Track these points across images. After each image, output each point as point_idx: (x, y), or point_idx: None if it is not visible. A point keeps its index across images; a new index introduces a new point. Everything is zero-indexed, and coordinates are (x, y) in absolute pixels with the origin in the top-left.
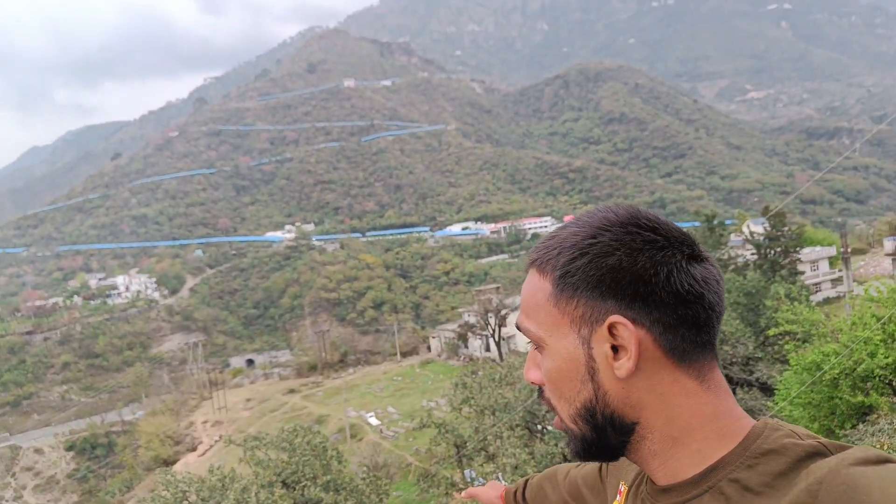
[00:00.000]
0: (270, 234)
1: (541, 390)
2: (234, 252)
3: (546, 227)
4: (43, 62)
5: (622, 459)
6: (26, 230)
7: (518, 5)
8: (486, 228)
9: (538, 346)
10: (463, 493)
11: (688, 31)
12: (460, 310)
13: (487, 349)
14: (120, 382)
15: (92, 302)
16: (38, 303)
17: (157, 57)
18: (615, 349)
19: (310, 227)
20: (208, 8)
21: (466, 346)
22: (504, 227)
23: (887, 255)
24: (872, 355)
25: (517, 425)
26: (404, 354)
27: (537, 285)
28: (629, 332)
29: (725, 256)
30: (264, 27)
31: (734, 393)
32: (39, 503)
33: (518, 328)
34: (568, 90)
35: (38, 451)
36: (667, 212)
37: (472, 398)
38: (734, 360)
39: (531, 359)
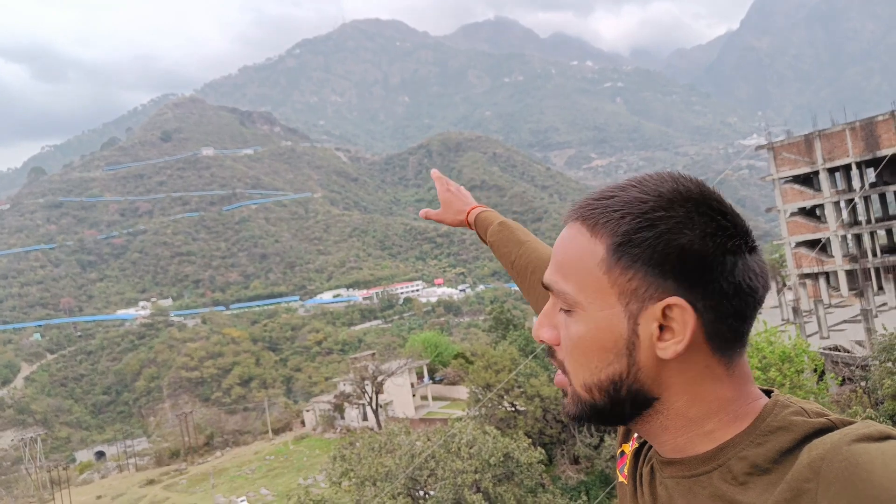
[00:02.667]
0: (122, 312)
1: (551, 350)
2: (79, 333)
3: (418, 290)
4: None
5: None
6: None
7: (380, 79)
8: (358, 295)
9: (569, 307)
10: (421, 213)
11: (537, 105)
12: (335, 380)
13: (365, 418)
14: None
15: None
16: None
17: None
18: (660, 328)
19: (167, 303)
20: (43, 75)
21: (343, 417)
22: (377, 293)
23: None
24: None
25: (399, 493)
26: (276, 431)
27: (585, 245)
28: (687, 316)
29: None
30: (111, 94)
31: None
32: None
33: (546, 285)
34: (431, 159)
35: None
36: None
37: (352, 470)
38: None
39: (546, 316)
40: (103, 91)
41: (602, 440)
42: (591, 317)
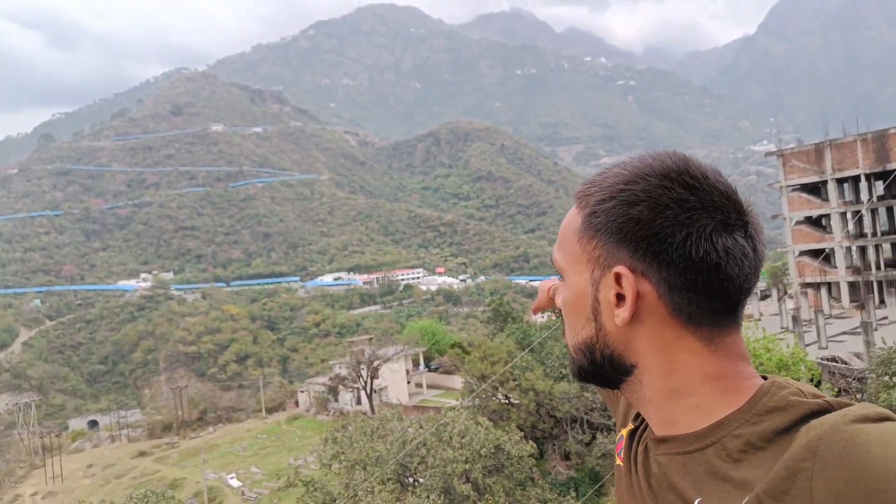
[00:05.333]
0: (123, 283)
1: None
2: (79, 302)
3: (419, 278)
4: None
5: None
6: None
7: (392, 64)
8: (359, 279)
9: (561, 276)
10: (532, 309)
11: (548, 98)
12: (331, 362)
13: (359, 402)
14: None
15: None
16: None
17: None
18: (620, 297)
19: (168, 276)
20: (57, 43)
21: (337, 400)
22: (377, 278)
23: None
24: None
25: (389, 479)
26: (270, 410)
27: (571, 218)
28: (629, 284)
29: None
30: (124, 66)
31: (595, 438)
32: None
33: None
34: (439, 147)
35: None
36: (530, 265)
37: (343, 453)
38: (594, 406)
39: (560, 283)
40: (116, 62)
41: (594, 437)
42: (571, 283)
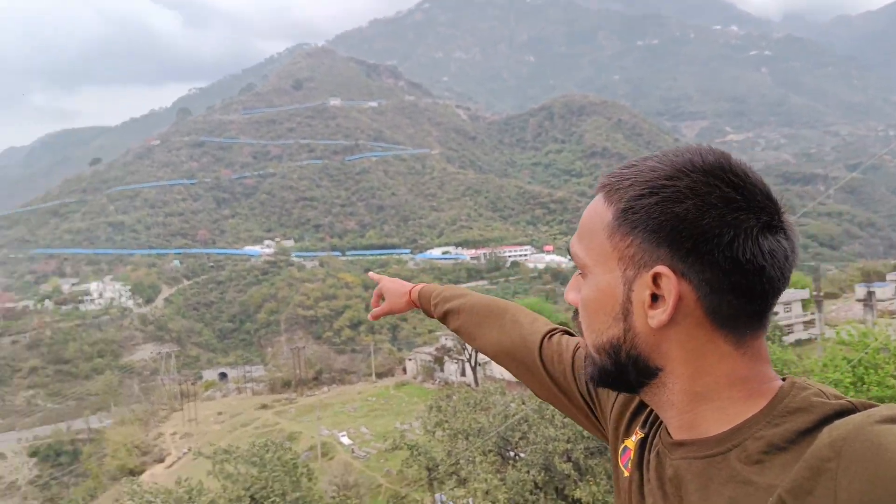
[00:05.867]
0: (249, 248)
1: (576, 312)
2: (211, 264)
3: (526, 255)
4: (20, 63)
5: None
6: None
7: (505, 36)
8: (466, 254)
9: (582, 272)
10: (370, 316)
11: (670, 71)
12: (437, 333)
13: (463, 374)
14: (88, 390)
15: (63, 307)
16: (7, 305)
17: (141, 65)
18: (654, 297)
19: (289, 243)
20: (192, 21)
21: (442, 370)
22: (484, 254)
23: (858, 300)
24: None
25: (490, 451)
26: (379, 375)
27: (598, 211)
28: (672, 286)
29: None
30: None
31: None
32: None
33: (569, 250)
34: (552, 122)
35: (0, 455)
36: None
37: (446, 421)
38: None
39: (574, 280)
40: (243, 39)
41: None
42: (596, 280)
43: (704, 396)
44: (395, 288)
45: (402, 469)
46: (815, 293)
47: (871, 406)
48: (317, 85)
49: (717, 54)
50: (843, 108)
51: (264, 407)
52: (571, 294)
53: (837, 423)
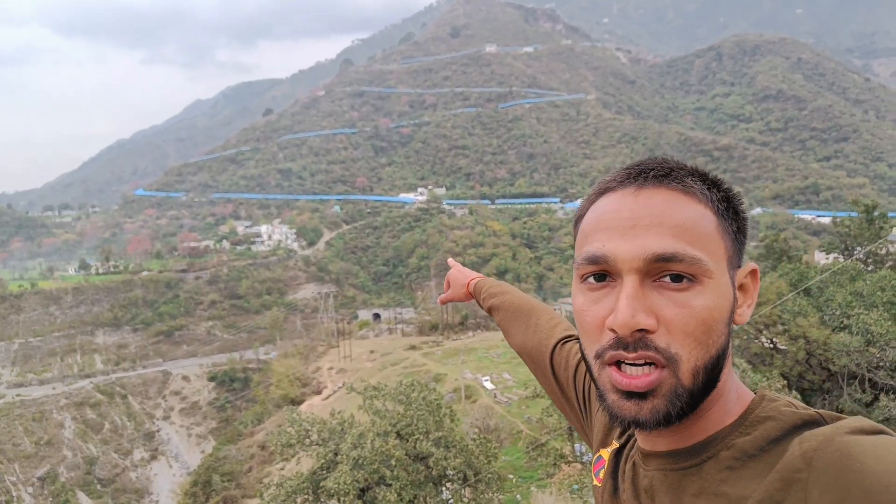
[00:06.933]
0: (404, 196)
1: (639, 342)
2: (368, 210)
3: None
4: (207, 23)
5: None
6: (186, 177)
7: None
8: None
9: (695, 279)
10: (438, 301)
11: (866, 2)
12: None
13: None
14: (258, 324)
15: (238, 247)
16: (192, 244)
17: (310, 18)
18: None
19: (441, 191)
20: None
21: None
22: None
23: None
24: None
25: None
26: None
27: (696, 209)
28: (757, 280)
29: (883, 251)
30: None
31: (878, 399)
32: (184, 425)
33: (662, 254)
34: (720, 63)
35: (185, 378)
36: (820, 198)
37: None
38: (881, 363)
39: (638, 300)
40: None
41: (876, 398)
42: (718, 285)
43: (720, 405)
44: (458, 277)
45: (543, 417)
46: None
47: (839, 418)
48: (474, 32)
49: None
50: None
51: (413, 348)
52: (644, 317)
53: (807, 434)
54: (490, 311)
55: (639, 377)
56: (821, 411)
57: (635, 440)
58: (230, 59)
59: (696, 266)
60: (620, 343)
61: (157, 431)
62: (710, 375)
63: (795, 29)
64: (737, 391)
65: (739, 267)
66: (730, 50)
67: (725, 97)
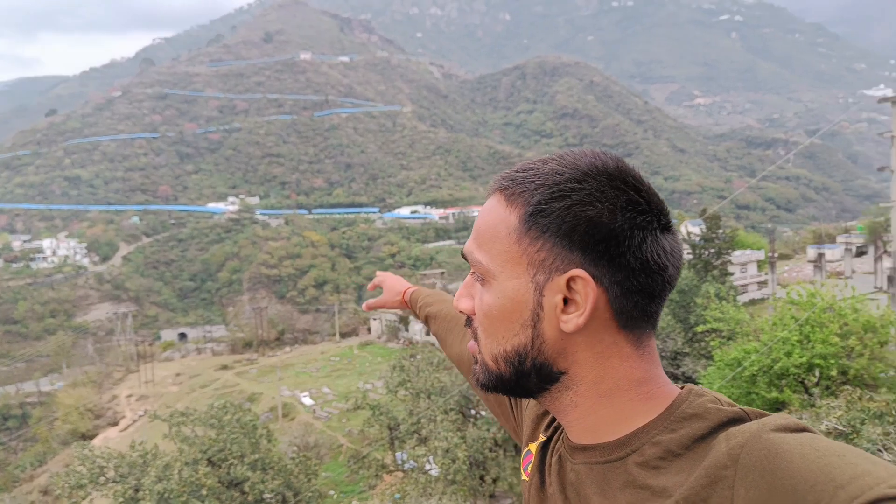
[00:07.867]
0: (212, 205)
1: (469, 320)
2: (173, 221)
3: None
4: None
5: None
6: None
7: None
8: (435, 213)
9: (483, 278)
10: (364, 306)
11: (644, 34)
12: None
13: (427, 333)
14: (39, 351)
15: (14, 265)
16: None
17: (105, 11)
18: (565, 301)
19: (254, 201)
20: None
21: (407, 330)
22: (453, 213)
23: (810, 261)
24: (789, 354)
25: (451, 409)
26: (344, 335)
27: (501, 215)
28: (589, 289)
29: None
30: None
31: None
32: None
33: (464, 255)
34: (525, 82)
35: None
36: None
37: (409, 381)
38: (663, 353)
39: (466, 287)
40: None
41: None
42: (502, 287)
43: (606, 399)
44: (393, 284)
45: (364, 429)
46: (769, 254)
47: (763, 414)
48: (287, 38)
49: (691, 18)
50: (808, 75)
51: (224, 368)
52: (465, 301)
53: (733, 430)
54: (426, 320)
55: (470, 343)
56: (745, 408)
57: (561, 432)
58: (6, 51)
59: (477, 266)
60: (468, 318)
61: None
62: (519, 368)
63: (587, 54)
64: (655, 382)
65: (564, 273)
66: (533, 70)
67: (529, 114)
